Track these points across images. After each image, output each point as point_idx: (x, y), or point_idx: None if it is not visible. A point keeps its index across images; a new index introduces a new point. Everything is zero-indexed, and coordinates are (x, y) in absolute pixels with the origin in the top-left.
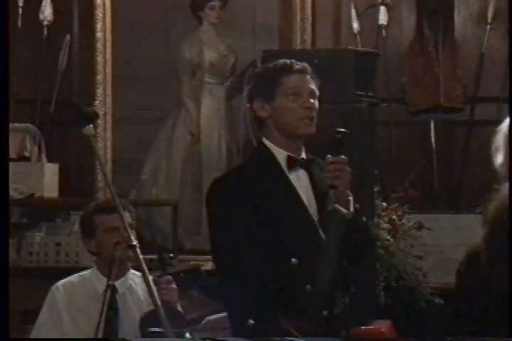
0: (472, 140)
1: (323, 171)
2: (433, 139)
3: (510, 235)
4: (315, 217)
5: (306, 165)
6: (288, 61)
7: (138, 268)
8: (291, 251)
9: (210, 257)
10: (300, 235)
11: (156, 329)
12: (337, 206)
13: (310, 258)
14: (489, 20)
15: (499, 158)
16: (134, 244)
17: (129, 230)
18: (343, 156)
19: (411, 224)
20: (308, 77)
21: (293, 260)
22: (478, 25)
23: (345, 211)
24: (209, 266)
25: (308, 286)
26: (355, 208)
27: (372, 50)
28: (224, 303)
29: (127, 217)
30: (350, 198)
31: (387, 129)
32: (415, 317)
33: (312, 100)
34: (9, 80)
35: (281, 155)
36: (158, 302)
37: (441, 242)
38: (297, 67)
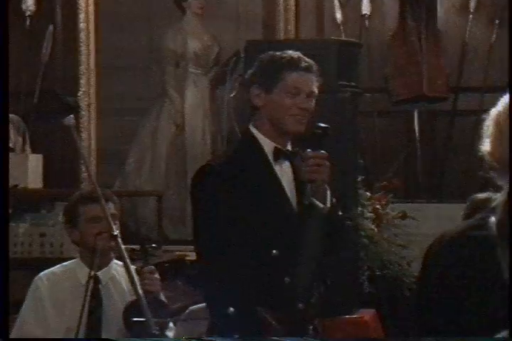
0: (455, 129)
1: (302, 165)
2: (416, 129)
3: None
4: (296, 208)
5: (290, 156)
6: (296, 55)
7: (120, 258)
8: (272, 243)
9: (194, 247)
10: (282, 227)
11: (139, 319)
12: (314, 200)
13: (290, 250)
14: (471, 10)
15: (486, 146)
16: (116, 234)
17: (111, 220)
18: (322, 151)
19: (395, 213)
20: (312, 76)
21: (274, 251)
22: (460, 15)
23: (321, 205)
24: (194, 256)
25: (286, 278)
26: (331, 203)
27: (355, 40)
28: (204, 292)
29: (111, 208)
30: (328, 193)
31: (371, 119)
32: (399, 305)
33: (309, 101)
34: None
35: (268, 146)
36: (140, 292)
37: (425, 231)
38: (304, 64)
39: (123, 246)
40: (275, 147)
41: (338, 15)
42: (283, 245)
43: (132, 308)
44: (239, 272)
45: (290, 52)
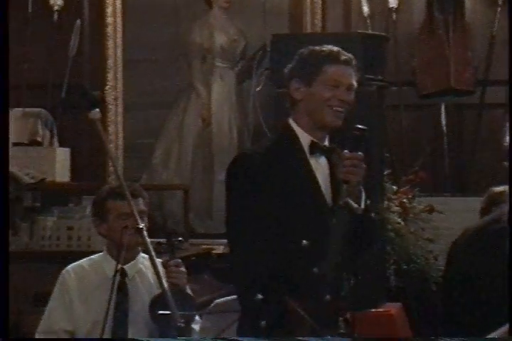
0: (482, 123)
1: (338, 165)
2: (443, 122)
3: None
4: (329, 202)
5: (327, 152)
6: (335, 49)
7: (146, 251)
8: (303, 233)
9: (221, 241)
10: (313, 218)
11: (165, 312)
12: (349, 200)
13: (320, 241)
14: (500, 3)
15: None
16: (141, 227)
17: (137, 216)
18: (359, 153)
19: (422, 207)
20: (351, 69)
21: (304, 242)
22: (488, 8)
23: (356, 206)
24: (220, 249)
25: (315, 269)
26: (365, 204)
27: (381, 34)
28: (234, 279)
29: (140, 204)
30: (363, 194)
31: (398, 112)
32: (425, 299)
33: (349, 94)
34: (8, 68)
35: (305, 139)
36: (166, 285)
37: (452, 225)
38: (344, 57)
39: (148, 240)
40: (312, 140)
41: (365, 9)
42: (313, 236)
43: (159, 301)
44: (268, 260)
45: (329, 46)
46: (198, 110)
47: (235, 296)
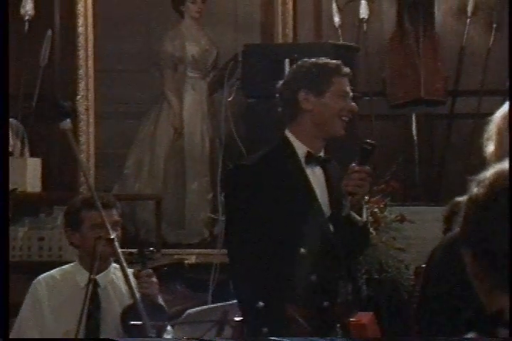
0: (452, 133)
1: (344, 177)
2: (414, 132)
3: (511, 227)
4: (326, 211)
5: (323, 162)
6: (336, 62)
7: (117, 261)
8: (300, 241)
9: (193, 251)
10: (310, 226)
11: (137, 323)
12: (352, 213)
13: (317, 249)
14: (469, 14)
15: (490, 148)
16: (112, 237)
17: (109, 226)
18: (367, 167)
19: (393, 216)
20: (348, 81)
21: (301, 250)
22: (458, 19)
23: (358, 218)
24: (192, 259)
25: (313, 276)
26: (367, 217)
27: (352, 44)
28: (234, 287)
29: (114, 214)
30: (365, 207)
31: (369, 123)
32: (397, 309)
33: (354, 104)
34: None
35: (301, 149)
36: (137, 295)
37: (423, 234)
38: (346, 70)
39: (119, 250)
40: (308, 151)
41: (336, 19)
42: (311, 244)
43: (130, 312)
44: (267, 268)
45: (325, 58)
46: (169, 120)
47: (207, 306)
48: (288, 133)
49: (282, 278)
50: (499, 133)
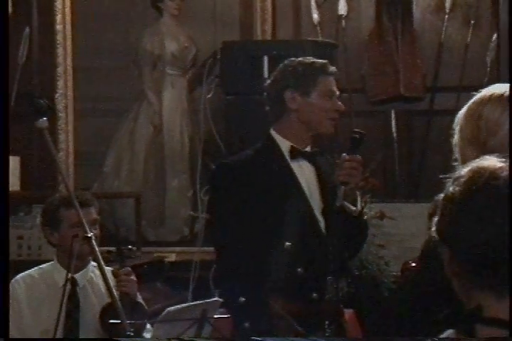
0: (432, 129)
1: (336, 168)
2: (393, 129)
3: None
4: (317, 205)
5: (310, 157)
6: (324, 61)
7: (95, 260)
8: (285, 235)
9: (173, 249)
10: (296, 220)
11: (115, 321)
12: (345, 203)
13: (303, 242)
14: (447, 11)
15: (455, 139)
16: (89, 235)
17: (86, 224)
18: (358, 155)
19: (373, 213)
20: (334, 80)
21: (286, 243)
22: (436, 16)
23: (353, 208)
24: (173, 257)
25: (299, 269)
26: (361, 206)
27: (331, 41)
28: (219, 282)
29: (93, 212)
30: (359, 196)
31: (348, 119)
32: (378, 305)
33: (340, 103)
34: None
35: (285, 145)
36: (116, 293)
37: (403, 231)
38: (332, 69)
39: (97, 248)
40: (291, 146)
41: (315, 16)
42: (296, 237)
43: (108, 310)
44: (252, 264)
45: (311, 58)
46: (149, 117)
47: (186, 304)
48: (273, 132)
49: (266, 272)
50: (460, 126)
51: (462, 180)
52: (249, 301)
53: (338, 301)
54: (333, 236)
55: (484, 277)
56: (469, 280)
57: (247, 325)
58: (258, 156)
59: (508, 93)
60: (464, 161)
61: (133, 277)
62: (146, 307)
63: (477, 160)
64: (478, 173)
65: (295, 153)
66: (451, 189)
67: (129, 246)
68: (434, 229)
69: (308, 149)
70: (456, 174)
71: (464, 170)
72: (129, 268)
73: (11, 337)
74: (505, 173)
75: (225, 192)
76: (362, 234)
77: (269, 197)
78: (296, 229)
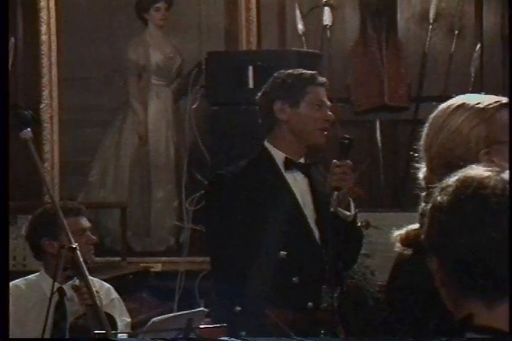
0: (416, 138)
1: (328, 173)
2: (378, 138)
3: (510, 231)
4: (311, 216)
5: (304, 168)
6: (313, 72)
7: (78, 270)
8: (280, 245)
9: (159, 259)
10: (291, 230)
11: (101, 332)
12: (339, 209)
13: (299, 252)
14: (431, 21)
15: (422, 140)
16: (74, 246)
17: (70, 234)
18: (348, 161)
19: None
20: (324, 90)
21: (281, 253)
22: (420, 26)
23: (347, 213)
24: (158, 267)
25: (294, 278)
26: (355, 211)
27: (316, 51)
28: (215, 292)
29: (86, 221)
30: (351, 201)
31: (333, 129)
32: (363, 314)
33: (331, 113)
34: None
35: (279, 156)
36: (98, 303)
37: (388, 240)
38: (321, 80)
39: (81, 259)
40: (286, 157)
41: (300, 26)
42: (291, 247)
43: (79, 324)
44: (247, 272)
45: (301, 69)
46: (134, 128)
47: (172, 314)
48: (267, 144)
49: (262, 281)
50: (427, 130)
51: (450, 189)
52: (245, 310)
53: (333, 310)
54: (327, 246)
55: (474, 286)
56: (458, 290)
57: (243, 333)
58: (253, 167)
59: (470, 103)
60: (431, 171)
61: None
62: (115, 319)
63: (464, 169)
64: (465, 182)
65: (289, 165)
66: (439, 198)
67: (87, 261)
68: (422, 237)
69: (302, 161)
70: (444, 183)
71: (452, 180)
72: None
73: None
74: (493, 182)
75: (221, 203)
76: (357, 241)
77: (263, 208)
78: (291, 239)
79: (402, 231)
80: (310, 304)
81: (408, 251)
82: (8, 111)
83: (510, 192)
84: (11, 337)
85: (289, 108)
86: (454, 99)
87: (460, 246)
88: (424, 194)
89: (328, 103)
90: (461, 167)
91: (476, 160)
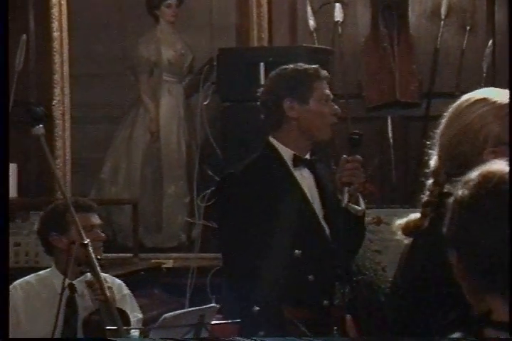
0: (428, 135)
1: (337, 169)
2: (390, 134)
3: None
4: (319, 212)
5: (310, 164)
6: (314, 67)
7: (90, 266)
8: (294, 243)
9: (170, 255)
10: (303, 228)
11: (112, 328)
12: (350, 204)
13: (312, 249)
14: (443, 17)
15: (437, 135)
16: (86, 242)
17: (82, 230)
18: (357, 156)
19: (369, 218)
20: (327, 84)
21: (296, 251)
22: (432, 21)
23: (358, 208)
24: (170, 264)
25: (310, 276)
26: (364, 205)
27: (327, 47)
28: (231, 292)
29: (97, 218)
30: (360, 196)
31: (345, 125)
32: (375, 311)
33: (336, 106)
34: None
35: (287, 153)
36: (111, 298)
37: (400, 237)
38: (324, 73)
39: (93, 255)
40: (294, 154)
41: (311, 23)
42: (305, 245)
43: (92, 319)
44: (263, 272)
45: (303, 64)
46: (146, 124)
47: (183, 310)
48: (272, 140)
49: (278, 280)
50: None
51: (471, 183)
52: (263, 310)
53: (344, 307)
54: (337, 242)
55: (491, 281)
56: (477, 284)
57: (261, 333)
58: (261, 165)
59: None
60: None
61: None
62: (128, 315)
63: (487, 163)
64: (487, 177)
65: (297, 162)
66: (460, 192)
67: (98, 257)
68: (444, 231)
69: (307, 157)
70: (466, 178)
71: (474, 174)
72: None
73: None
74: None
75: (234, 202)
76: (362, 235)
77: (275, 206)
78: (304, 237)
79: (403, 220)
80: (326, 302)
81: (408, 240)
82: (8, 109)
83: (510, 192)
84: (22, 332)
85: (298, 105)
86: (478, 90)
87: (479, 241)
88: (430, 182)
89: (332, 96)
90: (465, 162)
91: (480, 158)
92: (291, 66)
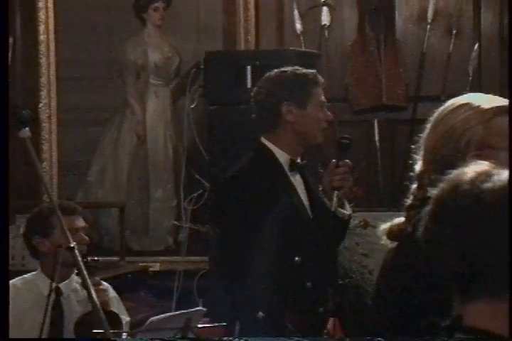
0: (414, 138)
1: (325, 173)
2: (376, 138)
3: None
4: (311, 217)
5: (301, 168)
6: (313, 72)
7: (78, 270)
8: (294, 250)
9: (157, 259)
10: (303, 234)
11: (99, 331)
12: (338, 208)
13: (311, 256)
14: (429, 20)
15: (422, 138)
16: (72, 246)
17: (68, 233)
18: (347, 160)
19: (356, 222)
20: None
21: (296, 258)
22: (418, 25)
23: (346, 212)
24: (157, 267)
25: (308, 283)
26: (351, 209)
27: (314, 51)
28: (234, 299)
29: (82, 220)
30: (345, 200)
31: (331, 128)
32: (361, 314)
33: (329, 113)
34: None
35: (283, 157)
36: (98, 303)
37: (385, 241)
38: (321, 80)
39: (80, 258)
40: (290, 159)
41: (298, 26)
42: (304, 252)
43: (84, 321)
44: (264, 279)
45: (300, 68)
46: (133, 127)
47: (170, 313)
48: (265, 141)
49: (279, 286)
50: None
51: (450, 183)
52: (267, 316)
53: (330, 309)
54: (327, 246)
55: (462, 287)
56: (449, 289)
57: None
58: (257, 168)
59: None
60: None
61: (102, 287)
62: (120, 318)
63: (468, 164)
64: (465, 177)
65: (293, 166)
66: (438, 192)
67: (95, 258)
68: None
69: (299, 161)
70: (446, 177)
71: (454, 173)
72: (98, 278)
73: None
74: (491, 178)
75: (232, 206)
76: (344, 237)
77: (272, 211)
78: (302, 243)
79: (387, 225)
80: (321, 309)
81: (393, 245)
82: (8, 111)
83: (510, 192)
84: (9, 335)
85: (296, 109)
86: (463, 96)
87: (451, 243)
88: (414, 186)
89: (326, 103)
90: (449, 166)
91: (463, 162)
92: (290, 69)
